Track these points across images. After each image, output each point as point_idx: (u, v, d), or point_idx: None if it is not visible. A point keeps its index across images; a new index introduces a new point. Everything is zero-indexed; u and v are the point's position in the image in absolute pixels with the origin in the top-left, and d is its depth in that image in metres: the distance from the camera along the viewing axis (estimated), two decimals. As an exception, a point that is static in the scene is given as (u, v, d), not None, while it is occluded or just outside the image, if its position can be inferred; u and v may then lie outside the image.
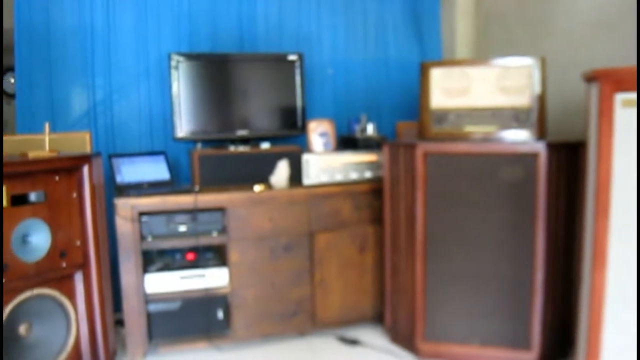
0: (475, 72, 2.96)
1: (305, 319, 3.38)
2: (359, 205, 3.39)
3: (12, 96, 9.53)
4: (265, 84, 3.65)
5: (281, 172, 3.32)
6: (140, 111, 3.78)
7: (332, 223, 3.35)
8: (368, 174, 3.44)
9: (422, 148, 2.96)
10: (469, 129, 2.98)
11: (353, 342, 3.32)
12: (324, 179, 3.35)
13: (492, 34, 4.00)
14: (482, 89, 2.96)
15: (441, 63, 3.09)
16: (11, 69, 9.35)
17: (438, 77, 3.02)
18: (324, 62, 4.08)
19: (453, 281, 2.99)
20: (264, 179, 3.41)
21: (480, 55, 4.09)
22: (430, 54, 4.28)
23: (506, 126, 2.92)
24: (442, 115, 3.02)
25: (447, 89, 3.01)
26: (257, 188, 3.24)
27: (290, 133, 3.71)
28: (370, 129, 3.63)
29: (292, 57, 3.66)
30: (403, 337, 3.21)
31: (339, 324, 3.47)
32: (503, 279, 2.91)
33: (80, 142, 3.37)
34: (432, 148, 2.96)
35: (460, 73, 2.98)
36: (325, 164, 3.35)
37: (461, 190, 2.94)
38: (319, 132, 3.50)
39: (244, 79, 3.62)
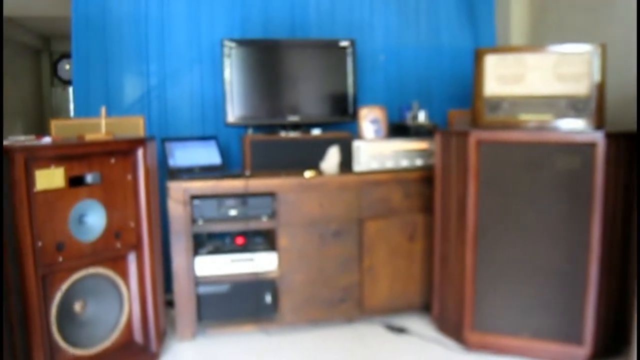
0: (531, 59, 2.90)
1: (352, 306, 3.39)
2: (409, 193, 3.36)
3: (66, 82, 9.80)
4: (316, 70, 3.65)
5: (332, 159, 3.32)
6: (192, 97, 3.83)
7: (382, 210, 3.33)
8: (419, 162, 3.40)
9: (475, 136, 2.92)
10: (524, 117, 2.92)
11: (400, 330, 3.31)
12: (375, 166, 3.34)
13: (549, 19, 3.90)
14: (538, 77, 2.90)
15: (496, 49, 3.04)
16: (66, 55, 9.61)
17: (492, 64, 2.97)
18: (376, 48, 4.06)
19: (504, 272, 2.95)
20: (315, 165, 3.41)
21: (536, 42, 3.99)
22: (483, 41, 4.20)
23: (562, 115, 2.85)
24: (496, 103, 2.97)
25: (501, 76, 2.95)
26: (308, 174, 3.25)
27: (341, 119, 3.70)
28: (421, 117, 3.60)
29: (344, 44, 3.65)
30: (451, 327, 3.18)
31: (386, 311, 3.46)
32: (556, 271, 2.85)
33: (134, 126, 3.44)
34: (486, 136, 2.92)
35: (515, 60, 2.92)
36: (376, 151, 3.33)
37: (514, 180, 2.89)
38: (370, 118, 3.48)
39: (296, 65, 3.62)
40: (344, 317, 3.41)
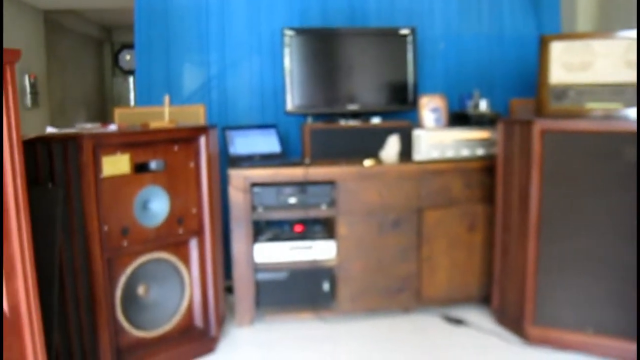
0: (599, 46, 2.80)
1: (410, 296, 3.36)
2: (469, 183, 3.31)
3: (126, 72, 10.03)
4: (376, 58, 3.62)
5: (391, 147, 3.29)
6: (251, 85, 3.87)
7: (442, 200, 3.29)
8: (480, 151, 3.35)
9: (539, 125, 2.85)
10: (591, 105, 2.83)
11: (458, 321, 3.27)
12: (435, 155, 3.29)
13: (618, 4, 3.77)
14: (606, 64, 2.80)
15: (562, 36, 2.95)
16: (127, 46, 9.82)
17: (558, 51, 2.88)
18: (436, 36, 4.00)
19: (567, 264, 2.87)
20: (374, 153, 3.39)
21: (604, 28, 3.86)
22: (548, 27, 4.08)
23: (632, 103, 2.75)
24: (562, 91, 2.89)
25: (567, 64, 2.87)
26: (367, 162, 3.23)
27: (401, 108, 3.66)
28: (483, 105, 3.53)
29: (404, 32, 3.61)
30: (510, 320, 3.13)
31: (444, 302, 3.42)
32: (623, 264, 2.76)
33: (195, 114, 3.49)
34: (550, 125, 2.84)
35: (582, 46, 2.83)
36: (436, 139, 3.29)
37: (580, 170, 2.80)
38: (430, 107, 3.44)
39: (355, 54, 3.60)
40: (401, 307, 3.39)
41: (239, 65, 3.86)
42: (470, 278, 3.42)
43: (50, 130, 2.62)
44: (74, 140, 2.37)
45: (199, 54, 3.85)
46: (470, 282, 3.42)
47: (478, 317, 3.33)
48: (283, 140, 3.58)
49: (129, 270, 2.60)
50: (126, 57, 9.94)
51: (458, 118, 3.58)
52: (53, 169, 2.40)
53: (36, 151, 2.41)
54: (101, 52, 10.17)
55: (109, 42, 10.25)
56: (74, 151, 2.37)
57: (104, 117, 9.01)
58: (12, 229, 1.78)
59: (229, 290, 3.48)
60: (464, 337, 3.10)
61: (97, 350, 2.50)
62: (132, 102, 9.67)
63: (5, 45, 1.83)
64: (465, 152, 3.33)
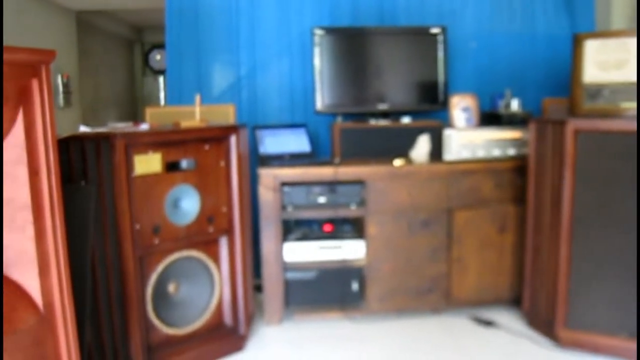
0: (634, 44, 2.75)
1: (439, 297, 3.34)
2: (500, 183, 3.28)
3: (156, 72, 10.12)
4: (406, 57, 3.60)
5: (422, 147, 3.27)
6: (281, 85, 3.87)
7: (472, 200, 3.26)
8: (511, 152, 3.31)
9: (572, 125, 2.80)
10: (626, 105, 2.78)
11: (488, 323, 3.24)
12: (465, 155, 3.26)
13: (654, 3, 3.70)
14: (643, 63, 2.75)
15: (597, 34, 2.90)
16: (157, 46, 9.92)
17: (593, 50, 2.83)
18: (467, 35, 3.96)
19: (601, 266, 2.82)
20: (404, 153, 3.37)
21: None
22: (581, 26, 4.02)
23: (669, 103, 2.70)
24: (596, 90, 2.84)
25: (602, 63, 2.82)
26: (397, 162, 3.22)
27: (431, 108, 3.64)
28: (514, 105, 3.49)
29: (434, 31, 3.58)
30: (541, 322, 3.08)
31: (474, 303, 3.39)
32: (659, 267, 2.71)
33: (225, 114, 3.50)
34: (584, 125, 2.79)
35: (618, 45, 2.78)
36: (467, 139, 3.26)
37: (614, 171, 2.75)
38: (461, 107, 3.41)
39: (385, 53, 3.59)
40: (431, 308, 3.37)
41: (269, 64, 3.87)
42: (501, 279, 3.38)
43: (83, 129, 2.65)
44: (106, 139, 2.39)
45: (229, 54, 3.87)
46: (501, 283, 3.39)
47: (508, 319, 3.30)
48: (312, 140, 3.58)
49: (160, 268, 2.62)
50: (156, 57, 10.02)
51: (489, 118, 3.55)
52: (86, 168, 2.44)
53: (70, 150, 2.45)
54: (132, 52, 10.28)
55: (139, 42, 10.36)
56: (107, 150, 2.40)
57: (135, 117, 9.12)
58: (47, 227, 1.81)
59: (258, 289, 3.49)
60: (494, 339, 3.06)
61: (128, 347, 2.53)
62: (162, 102, 9.76)
63: (38, 45, 1.86)
64: (496, 152, 3.29)
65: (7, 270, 1.78)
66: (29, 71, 1.73)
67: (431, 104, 3.63)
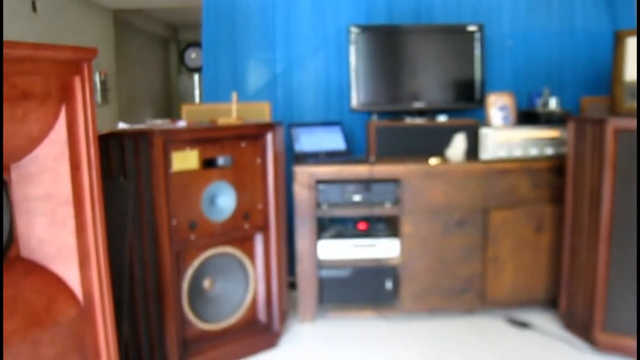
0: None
1: (474, 297, 3.31)
2: (537, 183, 3.23)
3: (191, 70, 10.22)
4: (442, 55, 3.58)
5: (457, 146, 3.24)
6: (317, 83, 3.88)
7: (508, 200, 3.22)
8: (549, 151, 3.26)
9: (613, 124, 2.74)
10: (669, 104, 2.72)
11: (523, 324, 3.20)
12: (502, 154, 3.23)
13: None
14: (688, 60, 2.68)
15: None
16: (192, 44, 10.01)
17: (635, 47, 2.77)
18: (504, 33, 3.91)
19: (641, 269, 2.77)
20: (439, 152, 3.35)
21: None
22: (622, 22, 3.93)
23: None
24: (637, 88, 2.78)
25: (644, 61, 2.76)
26: (433, 161, 3.20)
27: (468, 106, 3.61)
28: (552, 103, 3.44)
29: (471, 28, 3.55)
30: (578, 325, 3.03)
31: (509, 304, 3.35)
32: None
33: (260, 111, 3.52)
34: (625, 124, 2.73)
35: (661, 42, 2.72)
36: (504, 138, 3.22)
37: (656, 171, 2.69)
38: (498, 105, 3.38)
39: (421, 51, 3.57)
40: (465, 308, 3.34)
41: (305, 62, 3.88)
42: (537, 280, 3.34)
43: (121, 125, 2.69)
44: (145, 136, 2.43)
45: (265, 52, 3.89)
46: (537, 284, 3.34)
47: (544, 321, 3.25)
48: (347, 138, 3.58)
49: (195, 263, 2.65)
50: (191, 55, 10.12)
51: (526, 116, 3.50)
52: (125, 164, 2.47)
53: (109, 146, 2.49)
54: (167, 50, 10.40)
55: (175, 40, 10.48)
56: (145, 146, 2.43)
57: (170, 114, 9.22)
58: (87, 221, 1.84)
59: (292, 286, 3.50)
60: (529, 341, 3.02)
61: (164, 341, 2.56)
62: (196, 99, 9.86)
63: (78, 43, 1.89)
64: (533, 152, 3.25)
65: (49, 263, 1.82)
66: (71, 68, 1.76)
67: (467, 103, 3.60)
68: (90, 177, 1.83)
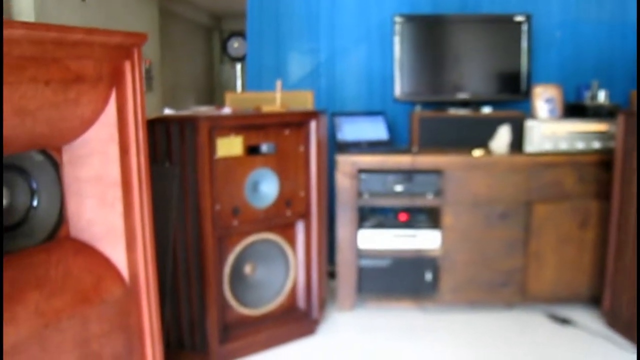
0: None
1: (514, 291, 3.27)
2: (583, 178, 3.17)
3: (234, 59, 10.29)
4: (488, 46, 3.53)
5: (502, 138, 3.20)
6: (360, 72, 3.88)
7: (553, 194, 3.17)
8: (596, 145, 3.19)
9: (664, 118, 2.68)
10: None
11: (564, 321, 3.15)
12: (547, 147, 3.17)
13: None
14: None
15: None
16: (235, 34, 10.08)
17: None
18: (552, 23, 3.83)
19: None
20: (483, 144, 3.31)
21: None
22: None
23: None
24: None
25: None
26: (477, 152, 3.17)
27: (513, 98, 3.56)
28: (601, 96, 3.37)
29: (519, 18, 3.49)
30: (623, 324, 2.97)
31: (550, 300, 3.30)
32: None
33: (303, 100, 3.53)
34: (677, 119, 2.67)
35: None
36: (550, 131, 3.17)
37: None
38: (544, 97, 3.32)
39: (466, 41, 3.53)
40: (505, 302, 3.31)
41: (348, 52, 3.87)
42: (580, 276, 3.28)
43: (167, 111, 2.73)
44: (191, 122, 2.46)
45: (309, 41, 3.90)
46: (580, 280, 3.28)
47: (586, 318, 3.20)
48: (390, 128, 3.56)
49: (237, 248, 2.68)
50: (234, 44, 10.18)
51: (574, 109, 3.43)
52: (170, 149, 2.51)
53: (155, 132, 2.53)
54: (210, 39, 10.49)
55: (218, 30, 10.55)
56: (191, 132, 2.46)
57: (212, 102, 9.31)
58: (135, 204, 1.88)
59: (331, 275, 3.51)
60: (571, 338, 2.98)
61: (205, 324, 2.60)
62: (238, 88, 9.93)
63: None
64: (580, 145, 3.19)
65: (97, 244, 1.86)
66: (122, 53, 1.79)
67: (513, 94, 3.54)
68: (138, 160, 1.87)
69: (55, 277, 1.70)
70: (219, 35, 10.57)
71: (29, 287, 1.60)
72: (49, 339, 1.61)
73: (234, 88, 10.14)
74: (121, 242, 1.85)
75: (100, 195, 1.82)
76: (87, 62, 1.67)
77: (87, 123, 1.76)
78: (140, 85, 1.87)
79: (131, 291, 1.90)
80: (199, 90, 9.64)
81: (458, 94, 3.52)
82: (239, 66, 9.92)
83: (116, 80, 1.78)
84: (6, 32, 1.41)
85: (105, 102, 1.77)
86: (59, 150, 1.80)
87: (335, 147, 3.33)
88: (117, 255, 1.86)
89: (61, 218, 1.83)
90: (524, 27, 3.49)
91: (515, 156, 3.16)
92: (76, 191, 1.83)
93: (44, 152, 1.77)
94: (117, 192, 1.82)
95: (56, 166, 1.80)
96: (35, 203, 1.78)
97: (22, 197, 1.75)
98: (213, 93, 10.21)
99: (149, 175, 1.93)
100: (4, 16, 3.70)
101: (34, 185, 1.77)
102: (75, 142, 1.79)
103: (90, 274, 1.80)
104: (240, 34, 9.34)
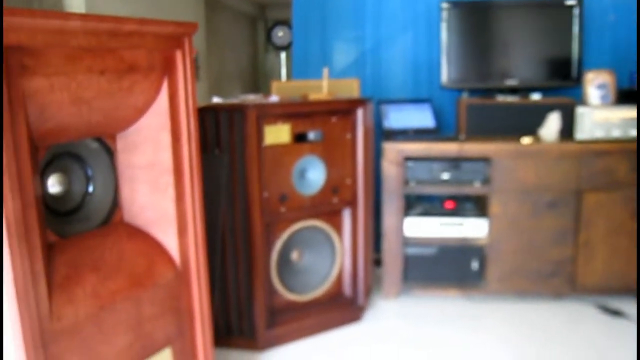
0: None
1: (563, 281, 3.22)
2: (636, 166, 3.09)
3: (278, 48, 10.32)
4: (537, 31, 3.47)
5: (552, 125, 3.15)
6: (405, 60, 3.85)
7: (604, 183, 3.10)
8: (650, 132, 3.11)
9: None
10: None
11: (615, 312, 3.09)
12: (599, 134, 3.10)
13: None
14: None
15: None
16: (279, 23, 10.10)
17: None
18: (605, 7, 3.72)
19: None
20: (532, 131, 3.26)
21: None
22: None
23: None
24: None
25: None
26: (526, 140, 3.12)
27: (563, 84, 3.49)
28: (656, 83, 3.28)
29: (569, 2, 3.41)
30: (676, 315, 2.91)
31: (600, 291, 3.24)
32: None
33: (348, 88, 3.53)
34: None
35: None
36: (602, 118, 3.10)
37: None
38: (596, 83, 3.24)
39: (515, 27, 3.47)
40: (553, 292, 3.26)
41: (394, 39, 3.85)
42: (632, 268, 3.20)
43: (215, 100, 2.77)
44: (239, 110, 2.49)
45: (354, 29, 3.89)
46: (631, 271, 3.21)
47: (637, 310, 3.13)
48: (436, 115, 3.54)
49: (285, 235, 2.71)
50: (278, 33, 10.18)
51: (627, 96, 3.34)
52: (219, 137, 2.55)
53: (204, 119, 2.56)
54: (255, 28, 10.53)
55: (262, 19, 10.59)
56: (240, 120, 2.49)
57: (256, 91, 9.37)
58: (186, 190, 1.92)
59: (376, 262, 3.52)
60: (622, 330, 2.92)
61: (252, 309, 2.64)
62: (283, 77, 9.96)
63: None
64: (633, 133, 3.10)
65: (150, 229, 1.91)
66: (173, 43, 1.82)
67: (563, 81, 3.47)
68: (189, 148, 1.91)
69: (110, 261, 1.75)
70: (263, 24, 10.61)
71: (86, 269, 1.66)
72: (105, 320, 1.67)
73: (278, 77, 10.17)
74: (173, 227, 1.90)
75: (153, 181, 1.87)
76: (140, 52, 1.71)
77: (140, 111, 1.80)
78: (191, 74, 1.91)
79: (182, 275, 1.95)
80: (244, 79, 9.70)
81: (506, 80, 3.47)
82: (283, 55, 9.94)
83: (168, 69, 1.82)
84: (64, 24, 1.45)
85: (157, 91, 1.80)
86: (113, 138, 1.85)
87: (381, 134, 3.33)
88: (169, 240, 1.91)
89: (115, 203, 1.89)
90: (575, 11, 3.41)
91: (565, 144, 3.10)
92: (130, 177, 1.88)
93: (98, 140, 1.82)
94: (169, 179, 1.86)
95: (110, 153, 1.85)
96: (90, 189, 1.83)
97: (79, 183, 1.81)
98: (257, 82, 10.27)
99: (200, 162, 1.97)
100: (55, 9, 3.79)
101: (90, 172, 1.82)
102: (128, 130, 1.84)
103: (143, 257, 1.84)
104: (285, 23, 9.34)
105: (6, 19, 1.30)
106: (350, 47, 3.93)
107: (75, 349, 1.58)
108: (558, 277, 3.22)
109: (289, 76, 8.36)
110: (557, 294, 3.27)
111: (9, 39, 1.32)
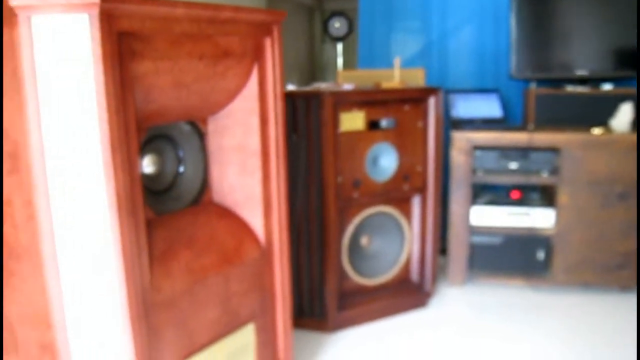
0: None
1: (631, 274, 3.19)
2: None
3: (335, 39, 10.36)
4: (609, 20, 3.42)
5: (624, 116, 3.12)
6: (471, 49, 3.86)
7: (677, 175, 3.07)
8: None
9: None
10: None
11: (683, 306, 3.06)
12: (672, 126, 3.08)
13: None
14: None
15: None
16: (336, 13, 10.14)
17: None
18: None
19: None
20: (603, 122, 3.24)
21: None
22: None
23: None
24: None
25: None
26: (596, 131, 3.10)
27: (635, 74, 3.44)
28: None
29: (643, -8, 3.37)
30: None
31: (669, 285, 3.22)
32: None
33: (414, 78, 3.56)
34: None
35: None
36: (676, 109, 3.07)
37: None
38: (670, 74, 3.21)
39: (585, 15, 3.44)
40: (621, 285, 3.24)
41: (460, 29, 3.86)
42: (702, 261, 3.17)
43: (290, 87, 2.85)
44: (317, 97, 2.56)
45: (420, 18, 3.92)
46: (702, 265, 3.17)
47: None
48: (503, 105, 3.55)
49: (356, 220, 2.77)
50: (335, 24, 10.19)
51: (701, 87, 3.30)
52: (296, 122, 2.63)
53: (281, 106, 2.65)
54: (312, 19, 10.60)
55: (319, 10, 10.64)
56: (316, 107, 2.56)
57: (313, 80, 9.44)
58: (272, 172, 2.00)
59: (442, 251, 3.56)
60: (691, 323, 2.90)
61: (324, 291, 2.72)
62: (339, 68, 10.01)
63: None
64: None
65: (238, 209, 2.00)
66: (263, 30, 1.90)
67: (635, 71, 3.43)
68: (276, 131, 1.99)
69: (202, 238, 1.85)
70: (320, 15, 10.66)
71: (180, 245, 1.76)
72: (197, 295, 1.76)
73: (334, 68, 10.22)
74: (259, 208, 1.99)
75: (241, 163, 1.96)
76: (234, 38, 1.79)
77: (232, 95, 1.89)
78: (280, 60, 1.99)
79: (266, 254, 2.04)
80: (301, 69, 9.78)
81: (576, 70, 3.44)
82: (340, 46, 9.99)
83: (258, 55, 1.90)
84: (170, 11, 1.54)
85: (248, 76, 1.89)
86: (204, 121, 1.94)
87: (449, 124, 3.36)
88: (255, 220, 2.00)
89: (205, 184, 1.99)
90: (648, 1, 3.37)
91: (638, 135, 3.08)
92: (219, 159, 1.97)
93: (191, 122, 1.92)
94: (256, 161, 1.95)
95: (201, 136, 1.94)
96: (182, 170, 1.93)
97: (171, 164, 1.91)
98: (314, 73, 10.34)
99: (285, 146, 2.05)
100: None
101: (181, 154, 1.92)
102: (220, 113, 1.93)
103: (231, 236, 1.94)
104: (342, 14, 9.39)
105: (119, 7, 1.39)
106: (415, 37, 3.96)
107: (171, 321, 1.67)
108: (626, 270, 3.20)
109: (345, 67, 8.41)
110: (625, 287, 3.24)
111: (121, 25, 1.41)
